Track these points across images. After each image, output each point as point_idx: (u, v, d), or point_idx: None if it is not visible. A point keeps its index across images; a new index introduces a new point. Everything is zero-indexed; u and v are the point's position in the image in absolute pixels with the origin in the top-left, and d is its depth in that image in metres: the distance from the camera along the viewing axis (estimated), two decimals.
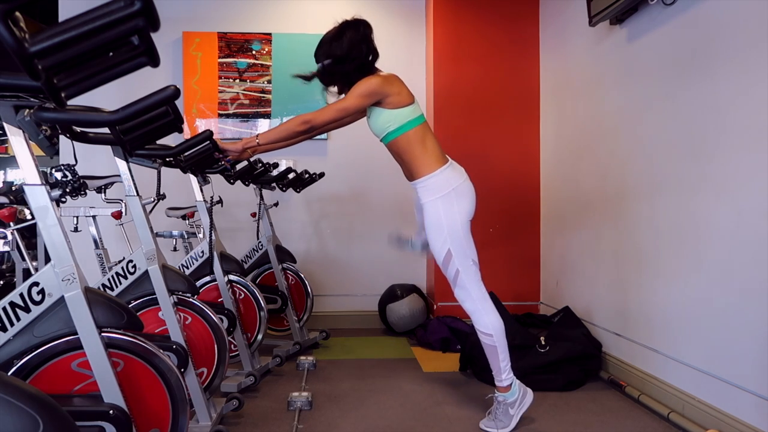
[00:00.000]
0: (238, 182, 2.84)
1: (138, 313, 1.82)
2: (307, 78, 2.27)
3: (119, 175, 1.78)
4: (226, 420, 2.24)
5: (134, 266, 1.91)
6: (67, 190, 2.06)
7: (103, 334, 1.37)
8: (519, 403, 2.19)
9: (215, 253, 2.52)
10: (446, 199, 2.13)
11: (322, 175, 3.53)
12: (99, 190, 2.72)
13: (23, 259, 2.31)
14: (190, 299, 2.05)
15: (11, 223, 2.17)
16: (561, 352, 2.72)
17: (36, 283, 1.36)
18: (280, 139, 2.24)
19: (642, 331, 2.59)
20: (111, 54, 0.97)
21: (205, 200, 2.50)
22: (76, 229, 2.73)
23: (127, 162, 1.77)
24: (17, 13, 0.77)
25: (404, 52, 4.10)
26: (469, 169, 2.31)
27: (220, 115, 3.99)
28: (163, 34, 3.47)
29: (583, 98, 3.24)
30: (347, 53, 2.14)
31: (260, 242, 3.34)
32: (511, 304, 3.58)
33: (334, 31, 2.18)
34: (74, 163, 1.95)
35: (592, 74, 3.12)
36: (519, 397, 2.19)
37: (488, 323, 2.15)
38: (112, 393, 1.36)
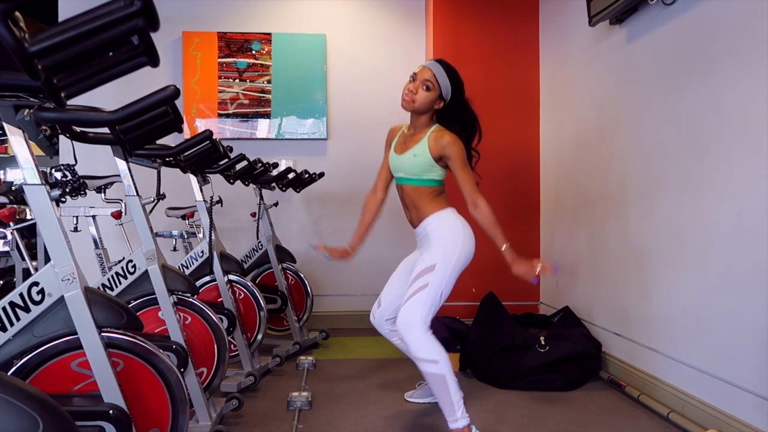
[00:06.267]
0: (238, 182, 2.84)
1: (138, 313, 1.82)
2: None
3: (119, 175, 1.78)
4: (226, 420, 2.23)
5: (134, 266, 1.91)
6: (67, 190, 2.06)
7: (103, 334, 1.38)
8: None
9: (215, 253, 2.52)
10: (463, 231, 2.16)
11: (321, 175, 3.52)
12: (99, 190, 2.72)
13: (23, 259, 2.31)
14: (190, 299, 2.06)
15: (11, 223, 2.17)
16: (561, 352, 2.72)
17: (36, 283, 1.36)
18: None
19: (642, 331, 2.59)
20: (111, 54, 0.96)
21: (204, 200, 2.50)
22: (76, 229, 2.73)
23: (127, 162, 1.77)
24: (17, 13, 0.77)
25: (404, 52, 4.10)
26: None
27: (220, 115, 3.99)
28: (163, 34, 3.47)
29: (582, 98, 3.24)
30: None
31: (260, 242, 3.34)
32: (511, 304, 3.58)
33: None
34: (74, 163, 1.95)
35: (591, 74, 3.12)
36: None
37: (431, 349, 1.99)
38: (111, 393, 1.36)
